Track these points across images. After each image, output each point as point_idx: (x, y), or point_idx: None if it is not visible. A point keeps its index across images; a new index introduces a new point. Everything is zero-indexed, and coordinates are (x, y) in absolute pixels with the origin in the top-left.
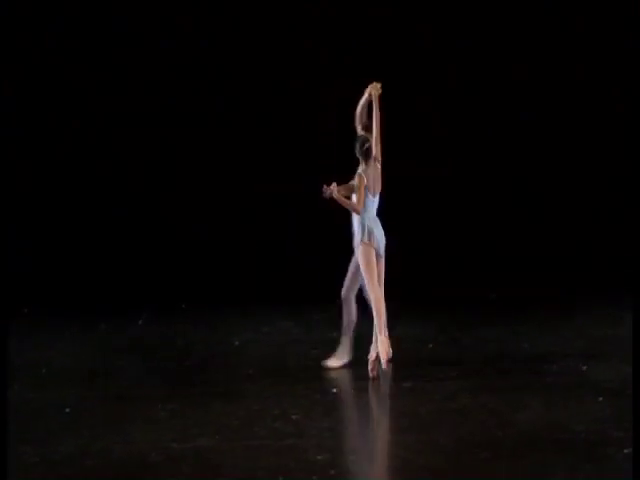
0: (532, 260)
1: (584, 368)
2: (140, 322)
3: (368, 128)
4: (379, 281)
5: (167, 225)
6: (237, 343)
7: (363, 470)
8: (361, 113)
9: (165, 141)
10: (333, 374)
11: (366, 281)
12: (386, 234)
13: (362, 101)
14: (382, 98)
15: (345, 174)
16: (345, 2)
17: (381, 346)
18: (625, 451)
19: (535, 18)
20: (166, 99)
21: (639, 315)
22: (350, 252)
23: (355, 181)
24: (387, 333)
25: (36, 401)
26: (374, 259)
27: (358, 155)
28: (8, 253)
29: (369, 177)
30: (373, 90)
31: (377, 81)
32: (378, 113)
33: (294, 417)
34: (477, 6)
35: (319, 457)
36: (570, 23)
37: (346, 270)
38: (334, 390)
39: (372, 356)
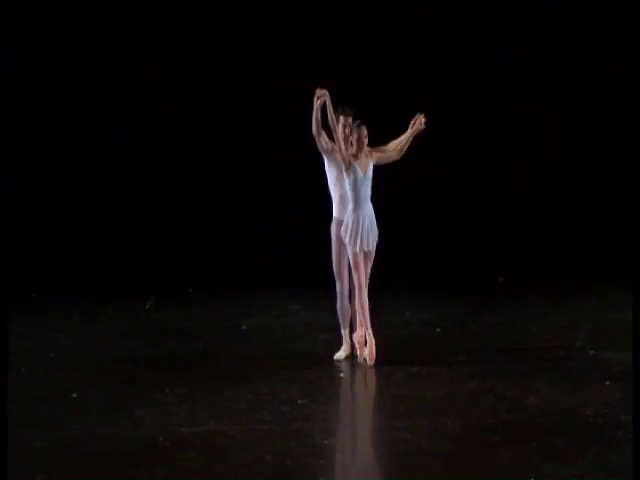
0: (545, 243)
1: (592, 352)
2: (147, 306)
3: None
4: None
5: (176, 208)
6: (245, 327)
7: (370, 455)
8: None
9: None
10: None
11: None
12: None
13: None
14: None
15: None
16: (345, 2)
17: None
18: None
19: (534, 18)
20: (164, 99)
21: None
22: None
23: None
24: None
25: (43, 386)
26: None
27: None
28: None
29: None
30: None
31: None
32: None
33: (301, 402)
34: (476, 6)
35: (326, 442)
36: (569, 23)
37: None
38: (341, 375)
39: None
